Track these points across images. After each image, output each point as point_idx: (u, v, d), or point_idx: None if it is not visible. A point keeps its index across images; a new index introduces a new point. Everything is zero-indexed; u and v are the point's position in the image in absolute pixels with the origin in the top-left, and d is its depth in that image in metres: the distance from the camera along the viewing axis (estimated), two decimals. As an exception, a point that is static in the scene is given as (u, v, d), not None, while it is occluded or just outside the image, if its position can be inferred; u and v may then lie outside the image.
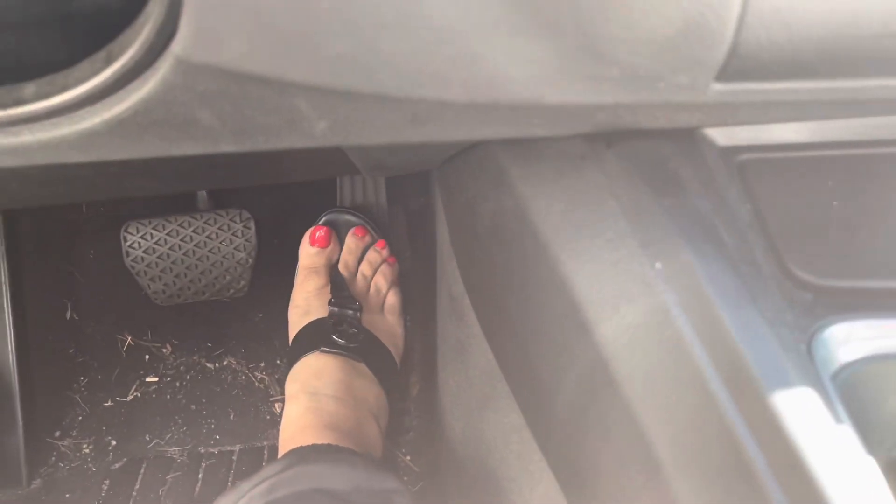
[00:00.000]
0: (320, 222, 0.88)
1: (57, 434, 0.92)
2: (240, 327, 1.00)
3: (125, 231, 0.90)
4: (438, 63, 0.31)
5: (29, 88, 0.36)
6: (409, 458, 0.91)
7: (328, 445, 0.64)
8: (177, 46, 0.31)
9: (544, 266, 0.38)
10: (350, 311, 0.79)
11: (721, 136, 0.37)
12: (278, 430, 0.81)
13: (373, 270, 0.86)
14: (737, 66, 0.29)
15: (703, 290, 0.31)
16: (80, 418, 0.93)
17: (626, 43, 0.28)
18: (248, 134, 0.38)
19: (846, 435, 0.29)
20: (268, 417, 0.95)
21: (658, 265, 0.32)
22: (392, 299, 0.86)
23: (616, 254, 0.34)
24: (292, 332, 0.82)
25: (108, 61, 0.35)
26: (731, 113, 0.34)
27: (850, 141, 0.37)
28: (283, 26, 0.29)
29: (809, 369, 0.30)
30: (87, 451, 0.91)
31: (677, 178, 0.35)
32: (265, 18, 0.29)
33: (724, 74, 0.30)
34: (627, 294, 0.33)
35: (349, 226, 0.88)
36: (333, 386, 0.73)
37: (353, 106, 0.35)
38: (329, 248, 0.85)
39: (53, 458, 0.90)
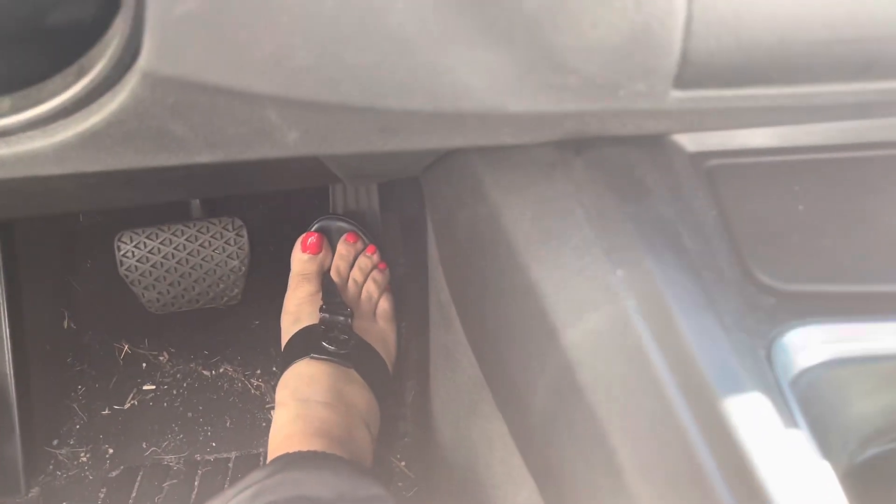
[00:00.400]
0: (312, 229, 0.89)
1: (55, 443, 0.92)
2: (236, 335, 1.00)
3: (119, 240, 0.90)
4: (401, 74, 0.32)
5: (3, 103, 0.37)
6: (403, 463, 0.91)
7: (314, 452, 0.64)
8: (143, 60, 0.32)
9: (516, 273, 0.38)
10: (341, 318, 0.80)
11: (690, 141, 0.37)
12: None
13: (364, 276, 0.86)
14: (692, 73, 0.30)
15: (661, 296, 0.31)
16: (78, 427, 0.94)
17: (579, 52, 0.28)
18: (221, 145, 0.38)
19: (799, 440, 0.29)
20: (264, 425, 0.95)
21: (620, 272, 0.33)
22: (384, 305, 0.86)
23: (581, 261, 0.34)
24: (284, 339, 0.83)
25: (80, 75, 0.35)
26: (697, 119, 0.35)
27: (817, 145, 0.37)
28: (243, 39, 0.30)
29: (767, 375, 0.30)
30: (84, 459, 0.92)
31: (643, 185, 0.36)
32: (226, 32, 0.30)
33: (682, 82, 0.30)
34: (591, 301, 0.33)
35: (341, 232, 0.89)
36: (323, 392, 0.74)
37: (322, 116, 0.35)
38: (321, 254, 0.85)
39: (51, 467, 0.91)
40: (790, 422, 0.29)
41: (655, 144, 0.38)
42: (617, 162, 0.37)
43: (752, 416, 0.28)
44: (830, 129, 0.37)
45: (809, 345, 0.32)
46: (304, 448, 0.66)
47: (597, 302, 0.33)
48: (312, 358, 0.77)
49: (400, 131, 0.37)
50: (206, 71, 0.31)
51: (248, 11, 0.30)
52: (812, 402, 0.31)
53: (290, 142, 0.38)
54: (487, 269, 0.44)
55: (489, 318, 0.46)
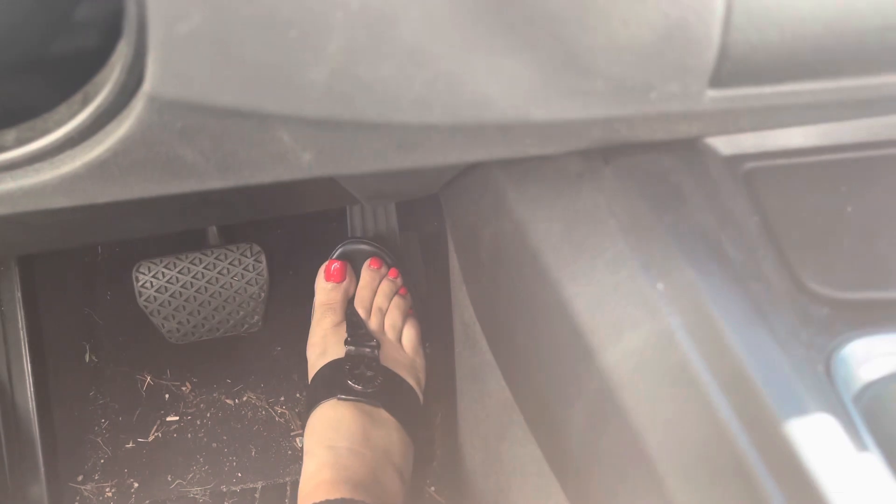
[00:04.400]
0: (335, 255, 0.86)
1: (80, 478, 0.91)
2: (259, 362, 0.99)
3: (137, 271, 0.90)
4: (417, 86, 0.30)
5: (9, 135, 0.36)
6: (433, 488, 0.89)
7: (342, 500, 0.62)
8: (147, 84, 0.30)
9: (546, 290, 0.36)
10: (367, 350, 0.77)
11: (724, 144, 0.35)
12: (300, 466, 0.79)
13: (388, 301, 0.83)
14: (730, 70, 0.28)
15: (708, 311, 0.29)
16: (103, 461, 0.93)
17: (608, 53, 0.26)
18: (234, 169, 0.37)
19: (872, 464, 0.27)
20: (289, 452, 0.93)
21: (660, 286, 0.30)
22: (409, 332, 0.83)
23: (617, 276, 0.32)
24: (311, 373, 0.80)
25: (85, 103, 0.34)
26: (733, 120, 0.33)
27: (862, 142, 0.34)
28: (251, 57, 0.28)
29: (829, 392, 0.28)
30: (109, 494, 0.90)
31: (678, 192, 0.34)
32: (232, 50, 0.28)
33: (719, 80, 0.28)
34: (630, 318, 0.31)
35: (364, 255, 0.86)
36: (351, 438, 0.71)
37: (336, 135, 0.34)
38: (345, 282, 0.82)
39: None
40: (858, 443, 0.27)
41: (687, 149, 0.36)
42: (648, 169, 0.35)
43: (818, 439, 0.26)
44: (875, 124, 0.34)
45: (872, 356, 0.30)
46: (332, 496, 0.64)
47: (636, 319, 0.31)
48: (339, 399, 0.74)
49: (418, 147, 0.35)
50: (213, 92, 0.30)
51: (254, 27, 0.28)
52: (879, 418, 0.28)
53: (305, 163, 0.37)
54: (514, 287, 0.42)
55: (518, 338, 0.43)
